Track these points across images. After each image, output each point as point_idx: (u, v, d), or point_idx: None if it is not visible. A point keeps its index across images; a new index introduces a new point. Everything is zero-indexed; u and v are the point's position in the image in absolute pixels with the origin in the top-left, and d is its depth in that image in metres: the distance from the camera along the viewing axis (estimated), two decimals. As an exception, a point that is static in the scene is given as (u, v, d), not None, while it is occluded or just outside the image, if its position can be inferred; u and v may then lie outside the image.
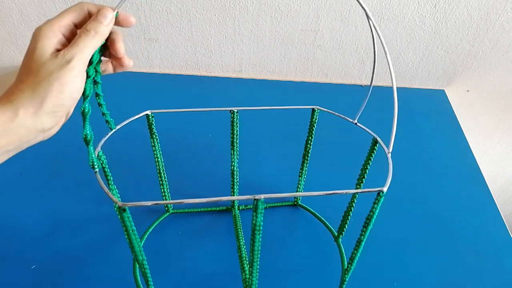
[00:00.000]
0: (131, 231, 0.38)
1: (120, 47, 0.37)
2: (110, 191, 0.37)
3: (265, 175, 0.71)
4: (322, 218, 0.65)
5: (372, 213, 0.43)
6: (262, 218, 0.38)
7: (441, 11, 0.81)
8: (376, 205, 0.42)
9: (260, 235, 0.39)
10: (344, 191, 0.39)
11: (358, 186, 0.54)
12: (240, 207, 0.65)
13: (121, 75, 0.97)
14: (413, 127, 0.86)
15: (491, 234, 0.65)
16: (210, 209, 0.64)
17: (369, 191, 0.40)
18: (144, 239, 0.59)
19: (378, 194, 0.41)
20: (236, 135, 0.54)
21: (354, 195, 0.54)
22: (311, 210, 0.66)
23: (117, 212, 0.40)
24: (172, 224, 0.62)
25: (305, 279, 0.57)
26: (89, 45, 0.33)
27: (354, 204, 0.55)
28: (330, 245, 0.61)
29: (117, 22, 0.36)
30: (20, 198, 0.62)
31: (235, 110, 0.52)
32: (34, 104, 0.31)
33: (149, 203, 0.35)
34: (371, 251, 0.60)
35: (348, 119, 0.53)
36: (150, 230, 0.60)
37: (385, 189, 0.40)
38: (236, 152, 0.57)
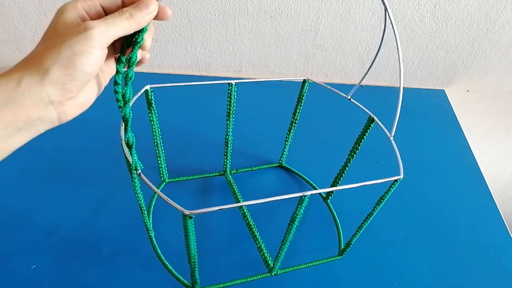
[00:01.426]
0: (191, 236, 0.39)
1: (148, 41, 0.34)
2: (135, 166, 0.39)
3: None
4: (308, 180, 0.70)
5: (385, 195, 0.46)
6: (302, 210, 0.42)
7: (441, 11, 0.81)
8: (391, 189, 0.45)
9: (297, 224, 0.43)
10: (367, 182, 0.41)
11: (350, 157, 0.58)
12: (232, 171, 0.69)
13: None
14: (413, 127, 0.86)
15: (491, 234, 0.65)
16: (204, 175, 0.68)
17: (386, 181, 0.43)
18: (151, 212, 0.61)
19: (395, 180, 0.44)
20: (233, 107, 0.58)
21: (347, 162, 0.58)
22: (296, 171, 0.71)
23: (141, 194, 0.46)
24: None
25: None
26: (118, 24, 0.30)
27: (346, 171, 0.59)
28: (319, 205, 0.65)
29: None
30: (20, 198, 0.62)
31: (233, 83, 0.55)
32: (41, 71, 0.28)
33: (214, 208, 0.36)
34: (371, 251, 0.60)
35: (341, 93, 0.55)
36: (154, 202, 0.63)
37: (401, 176, 0.43)
38: (231, 123, 0.60)
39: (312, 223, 0.63)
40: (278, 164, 0.73)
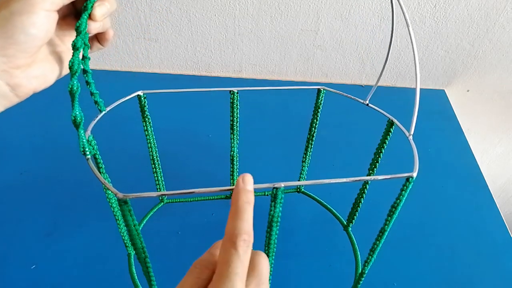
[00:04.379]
0: (132, 225, 0.35)
1: (99, 11, 0.32)
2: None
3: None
4: (329, 206, 0.63)
5: (399, 201, 0.40)
6: (280, 209, 0.35)
7: (441, 11, 0.81)
8: (404, 191, 0.40)
9: (278, 227, 0.36)
10: (372, 177, 0.37)
11: (371, 171, 0.51)
12: None
13: (120, 75, 0.97)
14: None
15: (491, 234, 0.65)
16: (207, 198, 0.62)
17: (398, 177, 0.37)
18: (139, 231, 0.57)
19: (407, 180, 0.38)
20: (236, 118, 0.51)
21: (365, 182, 0.52)
22: (316, 197, 0.65)
23: (116, 204, 0.40)
24: (167, 215, 0.59)
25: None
26: None
27: (366, 191, 0.53)
28: (338, 234, 0.60)
29: None
30: (20, 198, 0.62)
31: (235, 91, 0.49)
32: None
33: (153, 194, 0.32)
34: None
35: (359, 100, 0.50)
36: (144, 221, 0.57)
37: (414, 174, 0.38)
38: (236, 136, 0.53)
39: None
40: (295, 190, 0.64)
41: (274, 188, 0.33)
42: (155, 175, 0.56)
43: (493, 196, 0.71)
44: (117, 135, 0.71)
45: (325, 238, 0.60)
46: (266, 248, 0.38)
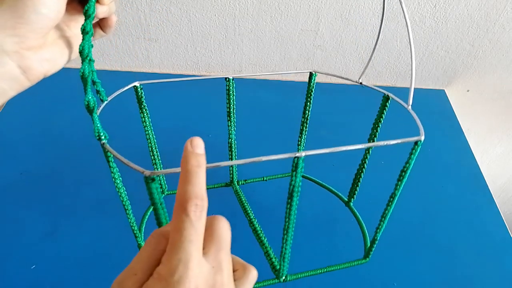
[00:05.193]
0: (159, 204, 0.34)
1: None
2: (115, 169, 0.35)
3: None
4: (327, 185, 0.65)
5: (408, 165, 0.42)
6: (300, 178, 0.35)
7: (441, 11, 0.81)
8: (412, 155, 0.41)
9: (298, 197, 0.37)
10: (385, 142, 0.38)
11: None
12: (240, 182, 0.64)
13: (120, 75, 0.97)
14: (413, 127, 0.86)
15: (491, 234, 0.65)
16: (208, 186, 0.62)
17: (407, 141, 0.39)
18: (144, 225, 0.57)
19: (416, 144, 0.41)
20: (233, 105, 0.52)
21: (365, 155, 0.53)
22: (314, 179, 0.66)
23: (126, 194, 0.41)
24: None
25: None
26: None
27: (365, 166, 0.54)
28: (340, 210, 0.61)
29: None
30: (20, 198, 0.62)
31: (231, 78, 0.50)
32: None
33: (178, 169, 0.31)
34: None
35: (351, 79, 0.51)
36: (148, 214, 0.57)
37: (422, 137, 0.40)
38: (233, 123, 0.54)
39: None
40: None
41: (295, 157, 0.33)
42: (155, 166, 0.57)
43: (493, 196, 0.71)
44: (115, 130, 0.71)
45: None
46: (287, 219, 0.39)
